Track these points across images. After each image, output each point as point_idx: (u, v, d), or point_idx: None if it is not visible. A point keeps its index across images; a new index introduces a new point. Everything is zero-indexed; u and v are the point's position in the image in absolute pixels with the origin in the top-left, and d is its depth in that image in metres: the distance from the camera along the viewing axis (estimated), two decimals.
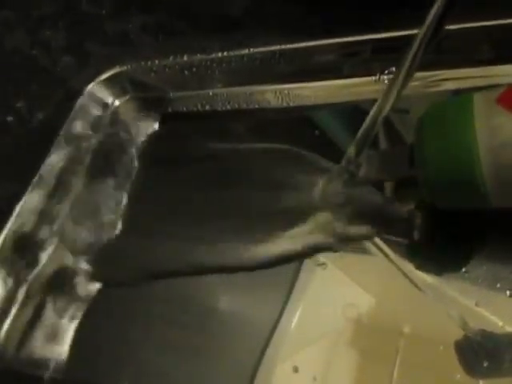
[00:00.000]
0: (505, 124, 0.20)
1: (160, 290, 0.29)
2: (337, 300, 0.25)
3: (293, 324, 0.26)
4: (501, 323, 0.22)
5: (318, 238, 0.27)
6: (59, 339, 0.28)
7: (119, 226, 0.32)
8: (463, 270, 0.24)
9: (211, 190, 0.31)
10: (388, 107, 0.22)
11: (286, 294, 0.26)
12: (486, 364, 0.22)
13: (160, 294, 0.29)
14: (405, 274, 0.25)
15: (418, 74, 0.30)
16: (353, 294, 0.25)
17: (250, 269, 0.27)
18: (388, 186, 0.28)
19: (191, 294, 0.28)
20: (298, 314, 0.26)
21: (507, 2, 0.27)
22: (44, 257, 0.31)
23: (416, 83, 0.31)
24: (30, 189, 0.31)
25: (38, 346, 0.28)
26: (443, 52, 0.30)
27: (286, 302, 0.26)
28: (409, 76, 0.20)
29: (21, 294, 0.29)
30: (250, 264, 0.27)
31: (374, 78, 0.31)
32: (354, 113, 0.32)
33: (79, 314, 0.29)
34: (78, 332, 0.28)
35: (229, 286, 0.28)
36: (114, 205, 0.32)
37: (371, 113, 0.22)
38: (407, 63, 0.20)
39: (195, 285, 0.28)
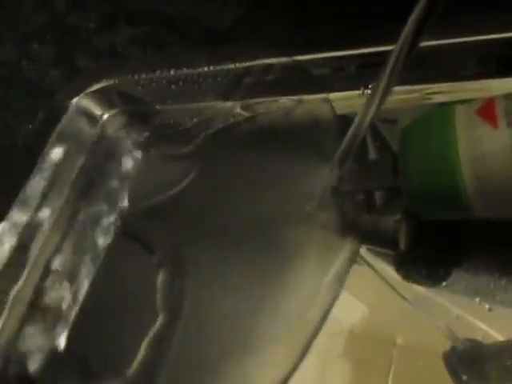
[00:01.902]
0: (484, 135, 0.20)
1: None
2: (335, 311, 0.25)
3: None
4: (480, 337, 0.22)
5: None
6: None
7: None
8: (444, 283, 0.24)
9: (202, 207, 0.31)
10: (368, 120, 0.22)
11: None
12: (472, 374, 0.22)
13: None
14: (390, 285, 0.25)
15: (406, 88, 0.31)
16: (346, 303, 0.25)
17: None
18: (377, 196, 0.28)
19: None
20: None
21: (491, 18, 0.28)
22: None
23: (404, 96, 0.31)
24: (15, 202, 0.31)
25: None
26: (430, 67, 0.30)
27: None
28: (387, 90, 0.20)
29: None
30: None
31: (358, 92, 0.31)
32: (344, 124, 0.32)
33: None
34: None
35: (222, 293, 0.28)
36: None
37: (352, 126, 0.23)
38: (385, 78, 0.20)
39: None
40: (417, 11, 0.18)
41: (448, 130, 0.21)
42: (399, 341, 0.23)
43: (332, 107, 0.32)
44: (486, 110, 0.21)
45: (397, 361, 0.23)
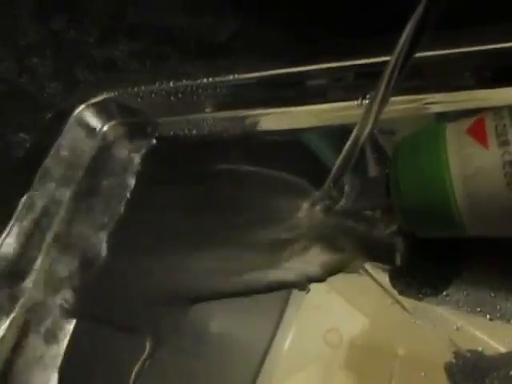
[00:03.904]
0: (475, 155, 0.20)
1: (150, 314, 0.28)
2: (331, 322, 0.25)
3: (285, 348, 0.25)
4: (480, 347, 0.22)
5: (305, 267, 0.27)
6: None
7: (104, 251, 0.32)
8: (444, 293, 0.24)
9: (199, 216, 0.31)
10: (367, 131, 0.22)
11: (277, 318, 0.26)
12: None
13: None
14: (391, 295, 0.25)
15: (404, 98, 0.31)
16: (346, 315, 0.25)
17: (240, 295, 0.27)
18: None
19: (184, 318, 0.28)
20: (289, 337, 0.26)
21: (487, 29, 0.28)
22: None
23: (402, 106, 0.31)
24: (15, 214, 0.31)
25: None
26: (427, 77, 0.30)
27: (277, 327, 0.26)
28: (384, 101, 0.20)
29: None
30: (240, 290, 0.27)
31: (356, 102, 0.31)
32: (343, 135, 0.33)
33: None
34: None
35: (220, 312, 0.28)
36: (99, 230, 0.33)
37: (351, 137, 0.23)
38: (381, 89, 0.20)
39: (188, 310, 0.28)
40: (412, 22, 0.18)
41: (439, 150, 0.21)
42: (401, 352, 0.23)
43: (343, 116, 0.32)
44: (476, 130, 0.21)
45: (398, 372, 0.23)
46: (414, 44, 0.19)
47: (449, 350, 0.23)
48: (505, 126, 0.20)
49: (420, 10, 0.18)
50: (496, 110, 0.21)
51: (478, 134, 0.21)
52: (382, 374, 0.23)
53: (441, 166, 0.21)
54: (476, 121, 0.21)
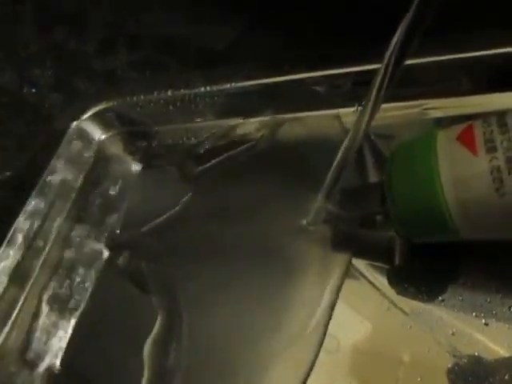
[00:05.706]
0: (464, 161, 0.21)
1: None
2: (331, 327, 0.25)
3: None
4: (477, 352, 0.22)
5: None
6: None
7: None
8: (440, 298, 0.24)
9: (197, 222, 0.31)
10: (359, 140, 0.22)
11: None
12: None
13: None
14: (389, 299, 0.25)
15: (403, 104, 0.31)
16: (344, 320, 0.25)
17: None
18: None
19: None
20: None
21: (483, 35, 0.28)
22: None
23: (401, 112, 0.31)
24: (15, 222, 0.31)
25: None
26: (426, 83, 0.31)
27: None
28: (375, 108, 0.21)
29: None
30: None
31: (352, 109, 0.32)
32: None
33: None
34: None
35: (220, 314, 0.28)
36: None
37: (343, 144, 0.23)
38: (372, 96, 0.20)
39: None
40: (401, 29, 0.18)
41: (430, 156, 0.22)
42: (406, 358, 0.23)
43: (341, 123, 0.32)
44: (466, 137, 0.21)
45: (403, 380, 0.23)
46: (405, 50, 0.19)
47: (447, 354, 0.23)
48: (492, 132, 0.20)
49: (409, 17, 0.18)
50: (485, 117, 0.21)
51: (467, 140, 0.21)
52: (387, 380, 0.23)
53: (432, 172, 0.21)
54: (465, 128, 0.22)
